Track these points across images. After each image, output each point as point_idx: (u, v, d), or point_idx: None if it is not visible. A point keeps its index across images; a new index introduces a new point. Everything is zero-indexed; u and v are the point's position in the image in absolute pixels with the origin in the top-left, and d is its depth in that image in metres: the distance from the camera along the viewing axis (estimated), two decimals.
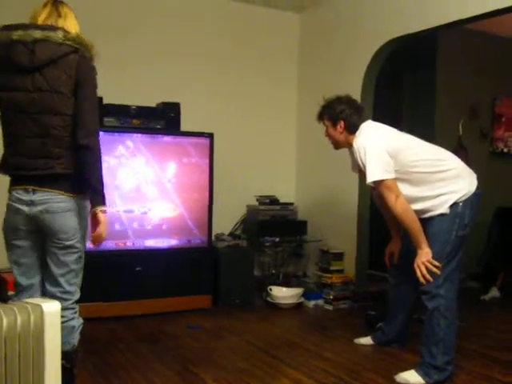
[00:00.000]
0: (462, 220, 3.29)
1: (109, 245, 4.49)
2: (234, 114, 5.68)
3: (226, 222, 5.53)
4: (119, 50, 5.02)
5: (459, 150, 5.93)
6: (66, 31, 2.57)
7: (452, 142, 6.04)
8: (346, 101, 3.62)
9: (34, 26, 2.56)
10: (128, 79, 5.02)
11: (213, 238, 5.11)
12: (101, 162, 2.63)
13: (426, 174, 3.35)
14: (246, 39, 5.76)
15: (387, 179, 3.30)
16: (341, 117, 3.55)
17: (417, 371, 3.30)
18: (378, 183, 3.33)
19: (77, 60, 2.56)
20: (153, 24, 5.26)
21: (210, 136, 4.88)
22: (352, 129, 3.54)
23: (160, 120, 4.80)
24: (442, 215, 3.32)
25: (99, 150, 2.62)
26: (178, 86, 5.27)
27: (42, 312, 1.91)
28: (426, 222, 3.37)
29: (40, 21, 2.60)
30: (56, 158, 2.58)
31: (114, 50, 4.90)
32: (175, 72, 5.34)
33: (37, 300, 1.98)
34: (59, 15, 2.63)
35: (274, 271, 5.62)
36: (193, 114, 5.11)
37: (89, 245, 2.79)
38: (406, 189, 3.35)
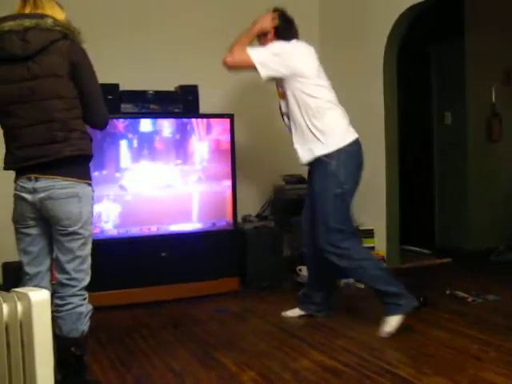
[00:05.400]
0: (336, 178, 3.42)
1: (133, 231, 4.49)
2: (253, 94, 5.53)
3: (254, 204, 5.47)
4: (133, 37, 5.05)
5: (493, 118, 5.66)
6: (54, 18, 2.58)
7: (485, 110, 5.79)
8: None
9: (23, 15, 2.57)
10: (144, 64, 4.99)
11: (240, 220, 5.06)
12: None
13: (301, 114, 3.61)
14: None
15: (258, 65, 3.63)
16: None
17: (388, 315, 3.46)
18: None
19: (68, 45, 2.58)
20: (165, 8, 5.21)
21: (231, 117, 4.80)
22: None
23: (178, 103, 4.75)
24: (320, 175, 3.49)
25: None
26: (195, 68, 5.16)
27: (29, 301, 1.88)
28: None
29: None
30: (63, 141, 2.57)
31: (128, 37, 4.94)
32: (191, 54, 5.25)
33: (25, 289, 1.95)
34: (42, 7, 2.61)
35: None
36: (211, 96, 5.02)
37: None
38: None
